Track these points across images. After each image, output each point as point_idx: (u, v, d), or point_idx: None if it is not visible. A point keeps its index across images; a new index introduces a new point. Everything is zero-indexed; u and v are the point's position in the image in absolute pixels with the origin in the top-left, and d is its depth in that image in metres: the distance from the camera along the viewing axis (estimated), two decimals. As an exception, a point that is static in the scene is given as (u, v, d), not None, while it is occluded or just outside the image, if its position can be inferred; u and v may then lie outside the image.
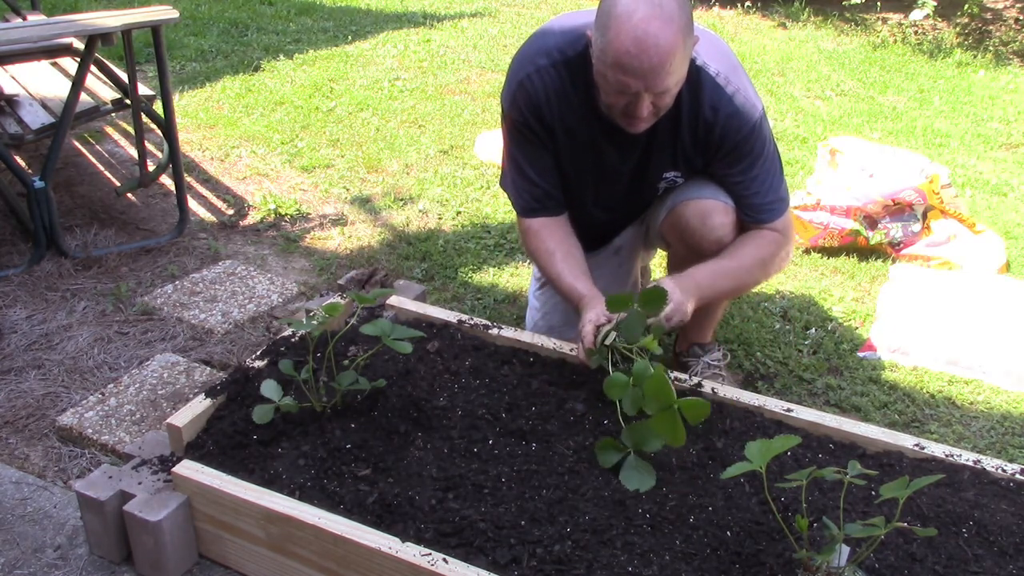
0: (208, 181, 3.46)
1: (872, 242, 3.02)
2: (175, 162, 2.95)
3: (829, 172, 3.38)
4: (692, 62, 1.79)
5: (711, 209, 1.97)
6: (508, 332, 2.08)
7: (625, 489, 1.62)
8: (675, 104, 1.82)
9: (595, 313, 1.86)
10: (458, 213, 3.26)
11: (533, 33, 1.97)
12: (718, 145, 1.91)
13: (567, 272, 1.99)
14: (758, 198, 1.97)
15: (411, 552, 1.46)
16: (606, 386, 1.75)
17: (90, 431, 2.06)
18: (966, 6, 6.07)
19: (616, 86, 1.71)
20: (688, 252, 2.05)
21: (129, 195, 3.24)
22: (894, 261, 3.02)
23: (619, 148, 1.96)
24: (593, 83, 1.81)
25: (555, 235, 2.04)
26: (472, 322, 2.12)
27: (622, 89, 1.71)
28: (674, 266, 2.15)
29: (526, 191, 2.03)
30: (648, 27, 1.63)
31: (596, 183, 2.05)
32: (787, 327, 2.64)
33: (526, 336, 2.07)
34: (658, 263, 2.94)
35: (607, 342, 1.81)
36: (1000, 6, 6.54)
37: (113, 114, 3.52)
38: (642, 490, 1.61)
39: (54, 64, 3.33)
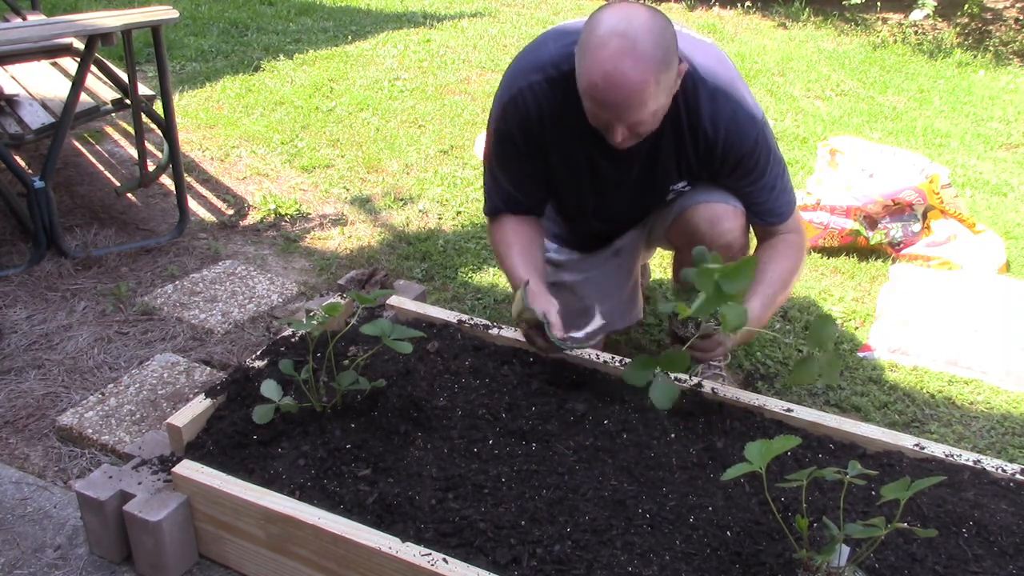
0: (208, 181, 3.46)
1: (872, 242, 3.02)
2: (175, 162, 2.95)
3: (829, 172, 3.38)
4: (689, 76, 1.80)
5: (721, 214, 1.97)
6: (508, 332, 2.08)
7: (626, 489, 1.62)
8: (676, 119, 1.83)
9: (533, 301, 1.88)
10: (458, 213, 3.26)
11: (528, 44, 1.96)
12: (722, 159, 1.90)
13: (519, 265, 2.00)
14: (768, 204, 1.99)
15: (411, 552, 1.46)
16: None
17: (90, 431, 2.06)
18: (966, 6, 6.07)
19: (590, 112, 1.74)
20: None
21: (129, 195, 3.24)
22: (894, 261, 3.02)
23: (616, 162, 1.94)
24: None
25: (516, 230, 2.05)
26: (472, 322, 2.12)
27: (595, 116, 1.74)
28: (680, 269, 2.15)
29: (495, 194, 2.07)
30: (618, 63, 1.62)
31: (595, 195, 2.05)
32: (787, 327, 2.64)
33: (526, 336, 2.07)
34: (658, 263, 2.94)
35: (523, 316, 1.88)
36: (1000, 6, 6.54)
37: (113, 114, 3.52)
38: (666, 407, 1.74)
39: (54, 64, 3.33)
